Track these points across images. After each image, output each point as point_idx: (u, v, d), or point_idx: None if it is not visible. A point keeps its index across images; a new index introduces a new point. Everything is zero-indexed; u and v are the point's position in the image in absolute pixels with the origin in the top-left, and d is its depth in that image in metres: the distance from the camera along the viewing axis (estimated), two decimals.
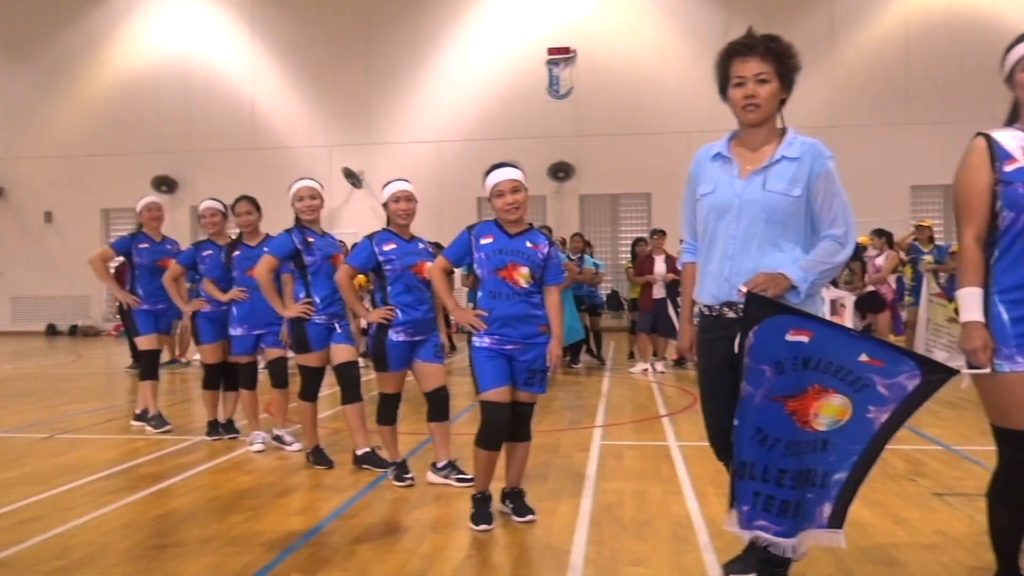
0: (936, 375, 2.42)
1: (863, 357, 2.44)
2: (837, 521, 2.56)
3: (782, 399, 2.49)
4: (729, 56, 2.71)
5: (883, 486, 4.29)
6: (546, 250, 3.78)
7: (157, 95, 19.61)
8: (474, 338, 3.73)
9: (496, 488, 3.91)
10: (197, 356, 11.42)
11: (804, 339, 2.44)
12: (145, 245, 6.32)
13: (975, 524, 3.57)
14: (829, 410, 2.49)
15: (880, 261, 10.23)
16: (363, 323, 4.89)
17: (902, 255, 10.70)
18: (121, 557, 3.39)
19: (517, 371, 3.72)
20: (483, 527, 3.68)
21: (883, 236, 10.43)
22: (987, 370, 2.48)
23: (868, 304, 9.86)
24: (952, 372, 2.45)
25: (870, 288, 9.95)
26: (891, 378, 2.43)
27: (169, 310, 6.39)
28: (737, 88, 2.69)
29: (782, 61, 2.66)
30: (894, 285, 10.48)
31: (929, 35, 16.92)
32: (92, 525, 3.84)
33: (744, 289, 2.54)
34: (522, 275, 3.68)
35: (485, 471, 3.74)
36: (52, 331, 20.12)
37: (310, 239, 4.91)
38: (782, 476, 2.51)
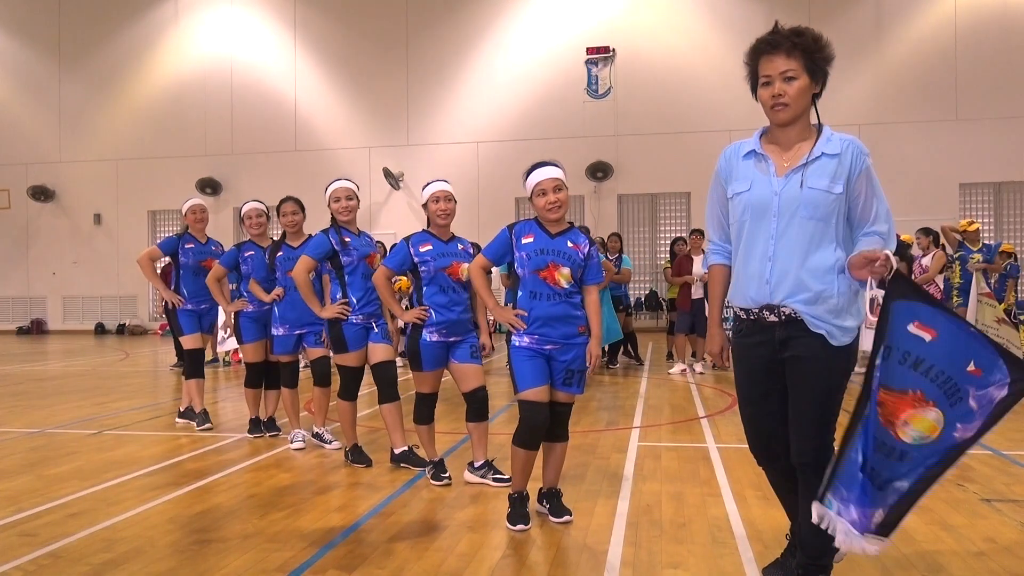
0: (1020, 379, 2.24)
1: (970, 367, 2.28)
2: (886, 531, 2.41)
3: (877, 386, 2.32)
4: (756, 54, 2.63)
5: None
6: (586, 249, 3.77)
7: (202, 99, 20.03)
8: (513, 337, 3.72)
9: (533, 488, 3.91)
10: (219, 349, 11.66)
11: (926, 337, 2.28)
12: (190, 246, 6.45)
13: None
14: (921, 425, 2.32)
15: (927, 261, 9.99)
16: (400, 323, 4.92)
17: (948, 250, 10.42)
18: (164, 551, 3.46)
19: (555, 371, 3.71)
20: (520, 527, 3.68)
21: (929, 235, 10.17)
22: None
23: None
24: None
25: None
26: (982, 389, 2.28)
27: (212, 310, 6.52)
28: (764, 87, 2.61)
29: (810, 55, 2.56)
30: (941, 285, 10.22)
31: (979, 29, 16.46)
32: (137, 519, 3.92)
33: (893, 259, 2.41)
34: (563, 275, 3.67)
35: (522, 471, 3.74)
36: (101, 330, 20.67)
37: (346, 239, 4.95)
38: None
